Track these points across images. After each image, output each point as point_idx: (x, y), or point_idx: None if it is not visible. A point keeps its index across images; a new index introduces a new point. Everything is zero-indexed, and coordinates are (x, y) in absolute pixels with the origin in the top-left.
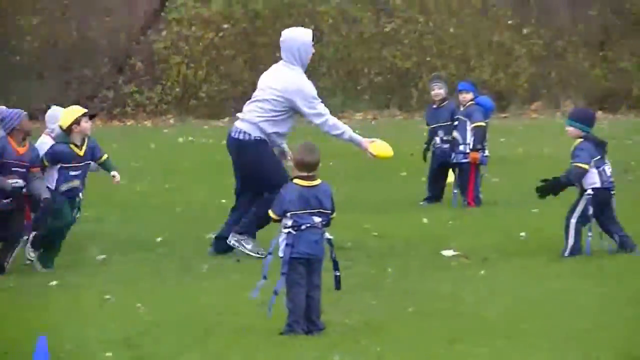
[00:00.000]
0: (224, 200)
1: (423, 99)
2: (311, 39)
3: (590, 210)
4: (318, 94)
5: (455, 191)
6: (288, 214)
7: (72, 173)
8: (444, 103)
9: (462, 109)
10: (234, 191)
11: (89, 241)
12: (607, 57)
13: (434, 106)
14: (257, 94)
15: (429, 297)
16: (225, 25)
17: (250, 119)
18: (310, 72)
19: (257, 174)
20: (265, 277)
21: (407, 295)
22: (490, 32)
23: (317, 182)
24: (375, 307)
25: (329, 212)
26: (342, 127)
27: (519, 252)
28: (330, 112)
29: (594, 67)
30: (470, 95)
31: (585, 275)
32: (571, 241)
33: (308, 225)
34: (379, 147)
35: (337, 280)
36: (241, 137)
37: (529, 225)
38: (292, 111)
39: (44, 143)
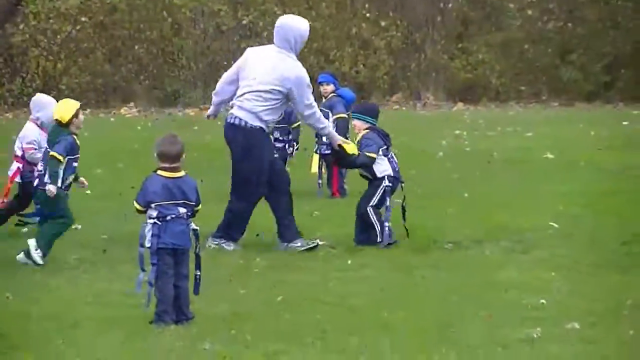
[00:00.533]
0: (88, 192)
1: None
2: (308, 30)
3: (387, 198)
4: (178, 87)
5: (319, 182)
6: (152, 205)
7: (75, 165)
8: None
9: (323, 101)
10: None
11: None
12: (465, 49)
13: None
14: (252, 83)
15: (298, 287)
16: (83, 18)
17: (251, 109)
18: (170, 64)
19: (245, 161)
20: (143, 270)
21: (276, 285)
22: (349, 24)
23: (182, 173)
24: (244, 297)
25: (194, 203)
26: (325, 122)
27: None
28: (192, 105)
29: (453, 59)
30: (331, 87)
31: (445, 263)
32: (378, 227)
33: (173, 216)
34: (350, 147)
35: (197, 282)
36: (236, 122)
37: (395, 215)
38: (287, 99)
39: (30, 130)
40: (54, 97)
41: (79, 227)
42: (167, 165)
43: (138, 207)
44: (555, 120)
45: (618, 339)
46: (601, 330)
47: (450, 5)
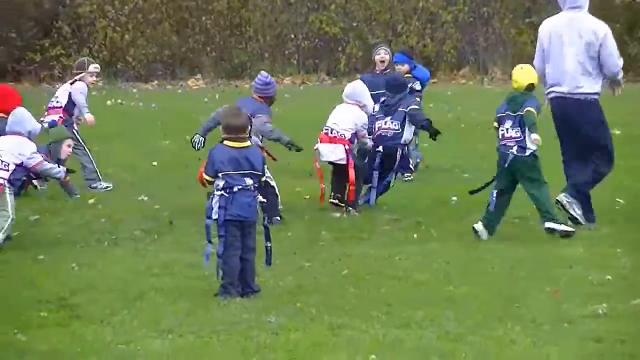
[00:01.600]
0: (154, 163)
1: (351, 63)
2: None
3: None
4: (245, 59)
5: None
6: (220, 175)
7: None
8: (387, 70)
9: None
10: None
11: (19, 202)
12: (533, 24)
13: (377, 71)
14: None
15: (363, 261)
16: None
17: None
18: (238, 36)
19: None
20: (210, 242)
21: (341, 259)
22: None
23: (247, 143)
24: (309, 270)
25: (261, 174)
26: None
27: (450, 216)
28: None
29: (521, 33)
30: (406, 67)
31: (511, 238)
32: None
33: (240, 187)
34: None
35: (268, 253)
36: (582, 97)
37: (460, 190)
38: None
39: None
40: (120, 68)
41: (145, 198)
42: (232, 136)
43: (207, 177)
44: (622, 96)
45: None
46: None
47: None
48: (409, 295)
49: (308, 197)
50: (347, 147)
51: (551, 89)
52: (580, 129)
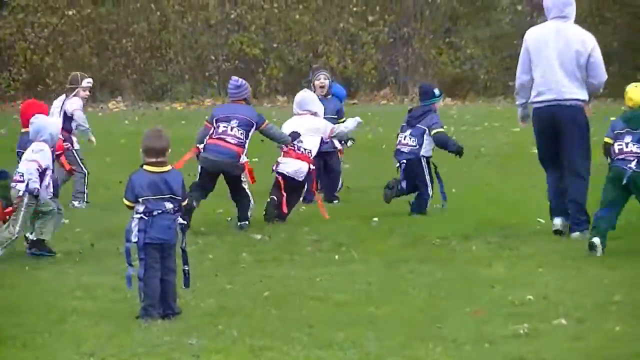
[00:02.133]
0: None
1: (271, 84)
2: None
3: None
4: (166, 81)
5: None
6: (140, 200)
7: None
8: (329, 96)
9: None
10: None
11: None
12: (453, 44)
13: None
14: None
15: (284, 282)
16: (70, 12)
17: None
18: (158, 58)
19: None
20: (130, 264)
21: (263, 280)
22: (337, 19)
23: (167, 168)
24: (230, 292)
25: (180, 198)
26: None
27: (371, 237)
28: (179, 99)
29: (440, 53)
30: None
31: (433, 259)
32: None
33: (160, 211)
34: None
35: (186, 276)
36: (568, 104)
37: (380, 211)
38: None
39: None
40: (41, 90)
41: (66, 221)
42: (152, 160)
43: (127, 203)
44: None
45: (605, 335)
46: (588, 326)
47: (438, 0)
48: (331, 316)
49: (230, 219)
50: (311, 166)
51: (540, 97)
52: (570, 134)
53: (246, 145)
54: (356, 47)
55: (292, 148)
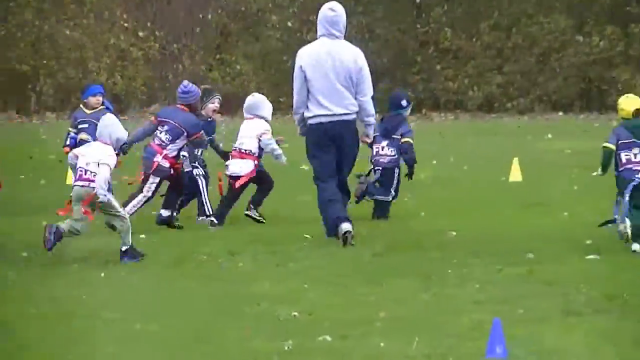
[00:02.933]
0: None
1: (41, 102)
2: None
3: None
4: None
5: None
6: None
7: None
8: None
9: (90, 112)
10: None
11: None
12: (224, 60)
13: (210, 119)
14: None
15: (50, 301)
16: None
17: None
18: None
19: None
20: None
21: (30, 297)
22: (107, 34)
23: None
24: None
25: None
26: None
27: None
28: None
29: (212, 69)
30: (100, 99)
31: (201, 276)
32: None
33: None
34: None
35: None
36: (350, 118)
37: (150, 228)
38: None
39: None
40: None
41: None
42: None
43: None
44: None
45: (369, 352)
46: (353, 342)
47: (209, 16)
48: (98, 333)
49: None
50: (255, 162)
51: (321, 112)
52: (348, 148)
53: (170, 149)
54: (126, 63)
55: (235, 149)
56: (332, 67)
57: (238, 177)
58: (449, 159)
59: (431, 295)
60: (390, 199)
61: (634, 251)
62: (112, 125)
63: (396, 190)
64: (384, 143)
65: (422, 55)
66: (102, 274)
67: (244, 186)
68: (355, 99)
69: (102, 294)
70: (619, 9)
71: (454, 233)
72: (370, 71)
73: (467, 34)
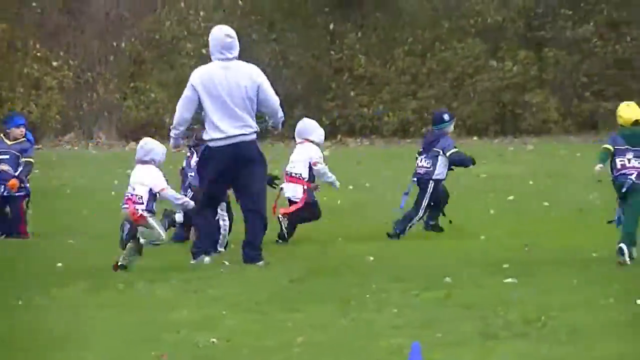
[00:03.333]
0: None
1: None
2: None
3: None
4: None
5: None
6: None
7: None
8: None
9: (11, 143)
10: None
11: None
12: (138, 88)
13: None
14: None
15: None
16: None
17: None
18: None
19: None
20: None
21: None
22: (20, 63)
23: None
24: None
25: None
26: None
27: (58, 282)
28: None
29: (126, 98)
30: (23, 130)
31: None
32: None
33: None
34: None
35: None
36: (248, 139)
37: (65, 256)
38: None
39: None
40: None
41: None
42: None
43: None
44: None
45: None
46: None
47: (123, 44)
48: None
49: None
50: (304, 187)
51: (217, 135)
52: (252, 170)
53: None
54: (41, 92)
55: (286, 174)
56: (227, 89)
57: (295, 202)
58: (364, 184)
59: (350, 320)
60: (417, 217)
61: (620, 249)
62: (152, 150)
63: (425, 210)
64: (423, 156)
65: (337, 81)
66: (20, 302)
67: (300, 211)
68: (265, 114)
69: (19, 323)
70: (533, 33)
71: (372, 258)
72: (285, 98)
73: (382, 60)
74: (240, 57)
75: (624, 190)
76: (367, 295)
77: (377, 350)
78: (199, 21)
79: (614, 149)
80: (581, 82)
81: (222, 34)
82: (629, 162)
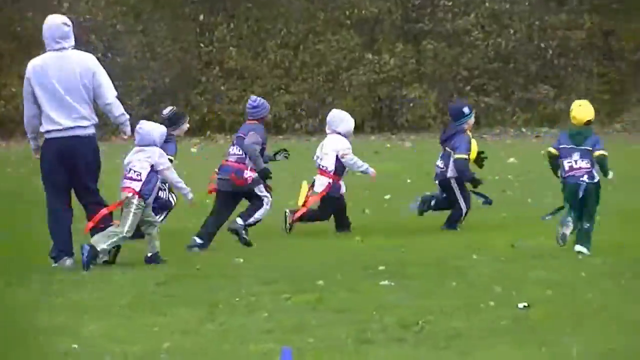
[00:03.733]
0: None
1: None
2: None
3: None
4: None
5: None
6: None
7: None
8: None
9: None
10: None
11: None
12: None
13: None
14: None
15: None
16: None
17: None
18: None
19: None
20: None
21: None
22: None
23: None
24: None
25: None
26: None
27: None
28: None
29: None
30: None
31: None
32: None
33: None
34: None
35: None
36: (84, 133)
37: None
38: None
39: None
40: None
41: None
42: None
43: None
44: None
45: None
46: None
47: None
48: None
49: None
50: (330, 181)
51: (52, 127)
52: (85, 163)
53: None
54: None
55: (317, 167)
56: (60, 79)
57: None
58: None
59: (218, 324)
60: (463, 211)
61: (579, 252)
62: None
63: (466, 200)
64: (440, 154)
65: (206, 75)
66: None
67: (324, 205)
68: (101, 105)
69: None
70: (411, 25)
71: (241, 260)
72: (152, 92)
73: (253, 53)
74: (107, 49)
75: (580, 195)
76: (237, 299)
77: (247, 355)
78: (62, 12)
79: (560, 149)
80: (461, 76)
81: (59, 22)
82: (576, 164)
